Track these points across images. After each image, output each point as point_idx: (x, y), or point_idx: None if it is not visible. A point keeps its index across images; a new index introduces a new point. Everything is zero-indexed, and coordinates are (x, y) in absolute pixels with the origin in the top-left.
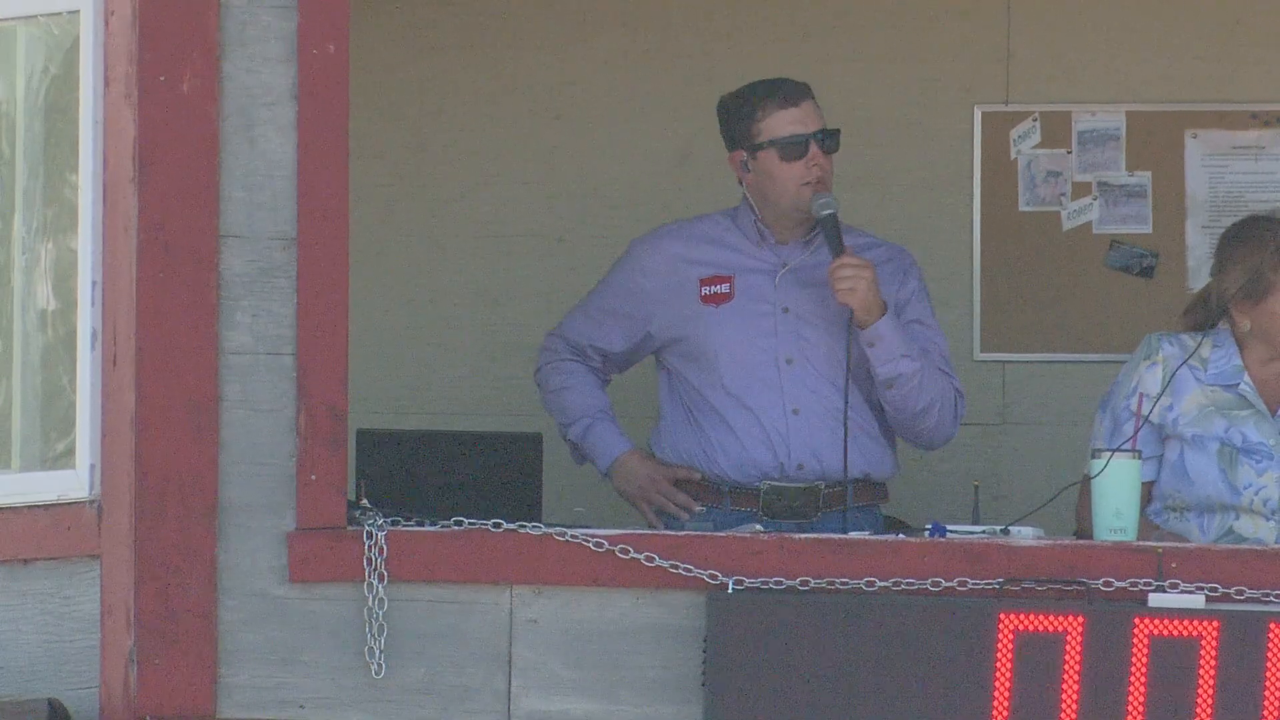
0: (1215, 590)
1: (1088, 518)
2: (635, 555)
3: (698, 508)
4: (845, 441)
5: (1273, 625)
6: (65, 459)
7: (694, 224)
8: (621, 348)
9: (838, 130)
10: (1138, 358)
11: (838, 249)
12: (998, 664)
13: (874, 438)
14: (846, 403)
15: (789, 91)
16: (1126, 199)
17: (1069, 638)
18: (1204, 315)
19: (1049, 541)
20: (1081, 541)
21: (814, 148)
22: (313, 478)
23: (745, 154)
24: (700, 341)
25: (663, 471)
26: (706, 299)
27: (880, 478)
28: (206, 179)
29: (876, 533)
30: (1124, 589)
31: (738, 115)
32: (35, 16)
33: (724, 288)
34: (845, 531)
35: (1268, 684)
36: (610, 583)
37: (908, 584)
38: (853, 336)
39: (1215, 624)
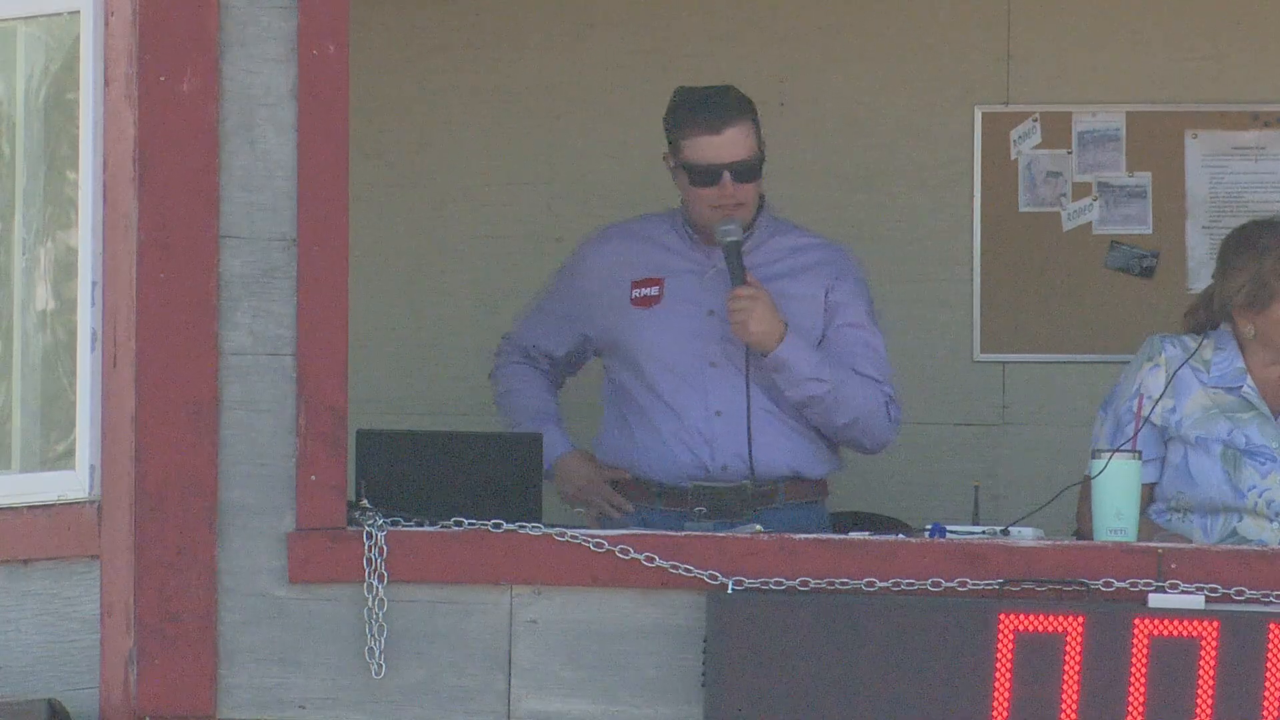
0: (1215, 591)
1: (1088, 518)
2: (635, 555)
3: (630, 508)
4: (750, 449)
5: (1273, 626)
6: (65, 459)
7: (636, 224)
8: (564, 351)
9: (756, 160)
10: (1140, 359)
11: (738, 278)
12: (998, 664)
13: (805, 436)
14: (749, 414)
15: (712, 116)
16: (1126, 199)
17: (1069, 638)
18: (1205, 317)
19: (1049, 542)
20: (1081, 542)
21: (727, 177)
22: (313, 478)
23: (672, 160)
24: (630, 344)
25: (600, 473)
26: (636, 302)
27: (814, 475)
28: (206, 179)
29: (822, 529)
30: (1124, 589)
31: (669, 124)
32: (35, 16)
33: (654, 290)
34: (785, 528)
35: (1268, 684)
36: (610, 583)
37: (908, 584)
38: (753, 360)
39: (1215, 624)
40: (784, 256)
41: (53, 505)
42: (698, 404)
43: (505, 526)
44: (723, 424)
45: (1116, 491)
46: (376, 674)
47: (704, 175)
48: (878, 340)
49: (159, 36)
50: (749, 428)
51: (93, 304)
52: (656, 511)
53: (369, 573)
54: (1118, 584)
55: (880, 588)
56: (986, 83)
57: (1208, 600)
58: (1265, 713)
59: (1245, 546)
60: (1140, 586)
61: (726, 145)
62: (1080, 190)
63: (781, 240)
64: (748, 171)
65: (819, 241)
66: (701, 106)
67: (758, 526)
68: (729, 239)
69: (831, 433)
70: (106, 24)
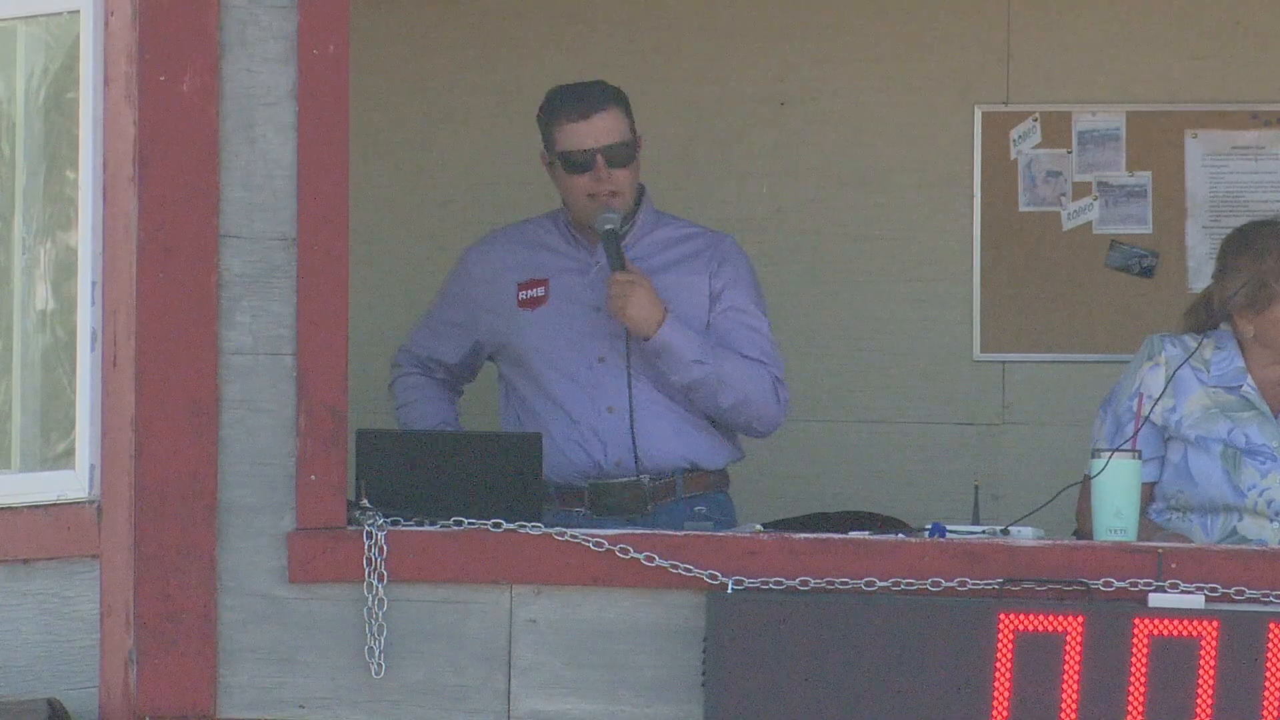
0: (1215, 590)
1: (1088, 518)
2: (635, 555)
3: None
4: (633, 440)
5: (1273, 625)
6: (65, 459)
7: (520, 227)
8: (457, 358)
9: (629, 146)
10: (1140, 359)
11: (616, 265)
12: (998, 664)
13: (700, 427)
14: (631, 409)
15: (579, 103)
16: (1126, 199)
17: (1069, 638)
18: (1205, 317)
19: (1049, 541)
20: (1081, 541)
21: (600, 162)
22: (313, 478)
23: (548, 158)
24: (519, 347)
25: None
26: (523, 303)
27: (712, 466)
28: (206, 179)
29: (727, 518)
30: (1124, 589)
31: (541, 120)
32: (35, 16)
33: (539, 291)
34: (680, 521)
35: (1268, 684)
36: (610, 583)
37: (908, 584)
38: (633, 345)
39: (1215, 624)
40: (667, 248)
41: (53, 505)
42: (588, 401)
43: (505, 526)
44: (614, 420)
45: (1116, 491)
46: (376, 674)
47: (577, 162)
48: (761, 323)
49: (159, 36)
50: (631, 422)
51: (93, 304)
52: (555, 513)
53: (369, 572)
54: (1118, 584)
55: (880, 588)
56: (986, 83)
57: (1208, 600)
58: (1265, 713)
59: (1245, 546)
60: (1140, 586)
61: (597, 130)
62: (1080, 190)
63: (663, 232)
64: (620, 156)
65: (700, 231)
66: (570, 96)
67: (758, 526)
68: (607, 227)
69: (719, 416)
70: (106, 24)
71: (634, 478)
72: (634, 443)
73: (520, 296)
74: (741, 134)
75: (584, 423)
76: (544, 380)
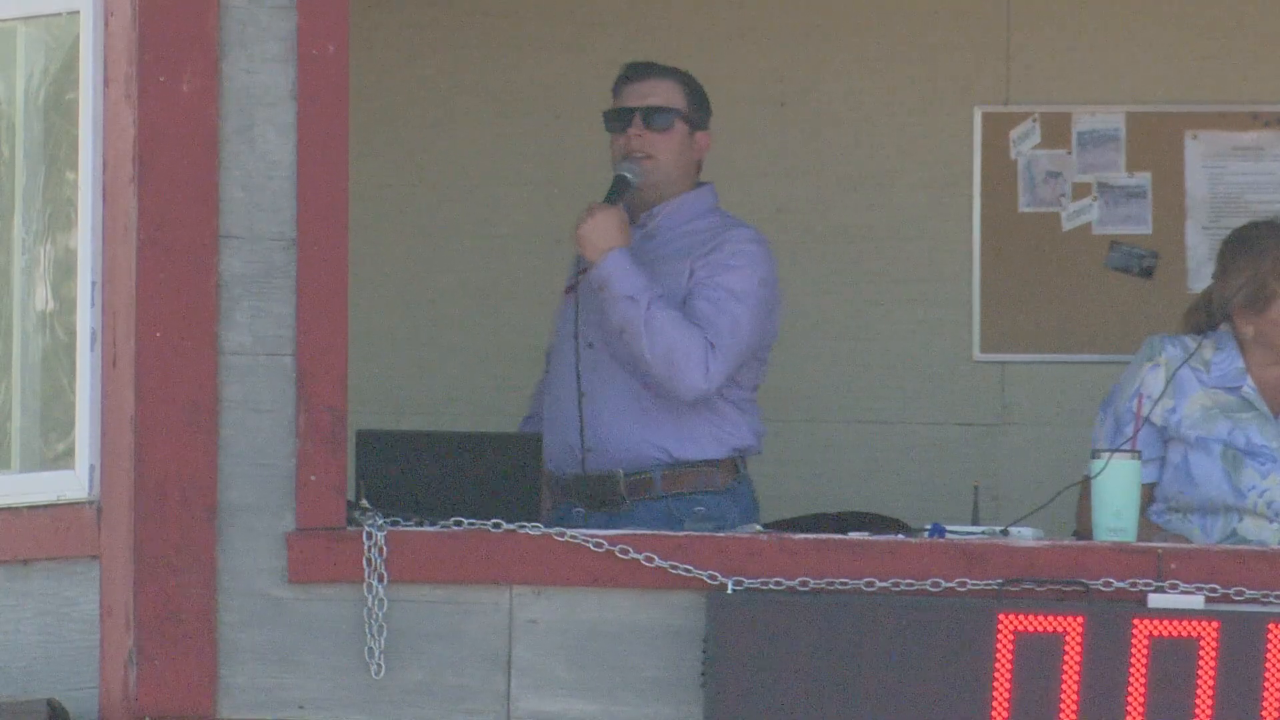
0: (1215, 591)
1: (1088, 518)
2: (635, 555)
3: (547, 504)
4: (582, 428)
5: (1272, 626)
6: (65, 459)
7: None
8: None
9: (672, 114)
10: (1140, 359)
11: (609, 203)
12: (997, 664)
13: (673, 413)
14: (580, 387)
15: (632, 70)
16: (1126, 199)
17: (1069, 638)
18: (1205, 318)
19: (1049, 542)
20: (1081, 542)
21: (636, 121)
22: (312, 478)
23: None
24: (553, 336)
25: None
26: (566, 291)
27: (686, 455)
28: (206, 179)
29: (745, 512)
30: (1124, 589)
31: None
32: (35, 16)
33: (578, 279)
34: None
35: (1267, 684)
36: (610, 583)
37: (908, 584)
38: (584, 282)
39: (1215, 624)
40: (686, 237)
41: (53, 505)
42: (570, 388)
43: (505, 526)
44: (586, 407)
45: (1116, 491)
46: (376, 674)
47: (616, 119)
48: (719, 297)
49: (159, 36)
50: (581, 408)
51: (93, 304)
52: (557, 505)
53: (369, 573)
54: (1117, 584)
55: (880, 588)
56: (986, 83)
57: (1208, 600)
58: (1265, 713)
59: (1245, 546)
60: (1140, 586)
61: (642, 92)
62: (1080, 190)
63: (697, 224)
64: (658, 120)
65: (721, 223)
66: (633, 64)
67: (758, 526)
68: (619, 171)
69: (644, 369)
70: (106, 24)
71: (610, 470)
72: (582, 428)
73: (566, 285)
74: (741, 134)
75: (563, 410)
76: (551, 366)
